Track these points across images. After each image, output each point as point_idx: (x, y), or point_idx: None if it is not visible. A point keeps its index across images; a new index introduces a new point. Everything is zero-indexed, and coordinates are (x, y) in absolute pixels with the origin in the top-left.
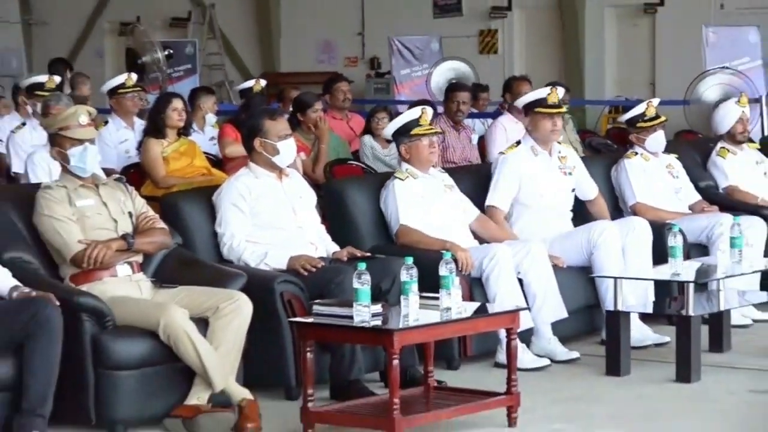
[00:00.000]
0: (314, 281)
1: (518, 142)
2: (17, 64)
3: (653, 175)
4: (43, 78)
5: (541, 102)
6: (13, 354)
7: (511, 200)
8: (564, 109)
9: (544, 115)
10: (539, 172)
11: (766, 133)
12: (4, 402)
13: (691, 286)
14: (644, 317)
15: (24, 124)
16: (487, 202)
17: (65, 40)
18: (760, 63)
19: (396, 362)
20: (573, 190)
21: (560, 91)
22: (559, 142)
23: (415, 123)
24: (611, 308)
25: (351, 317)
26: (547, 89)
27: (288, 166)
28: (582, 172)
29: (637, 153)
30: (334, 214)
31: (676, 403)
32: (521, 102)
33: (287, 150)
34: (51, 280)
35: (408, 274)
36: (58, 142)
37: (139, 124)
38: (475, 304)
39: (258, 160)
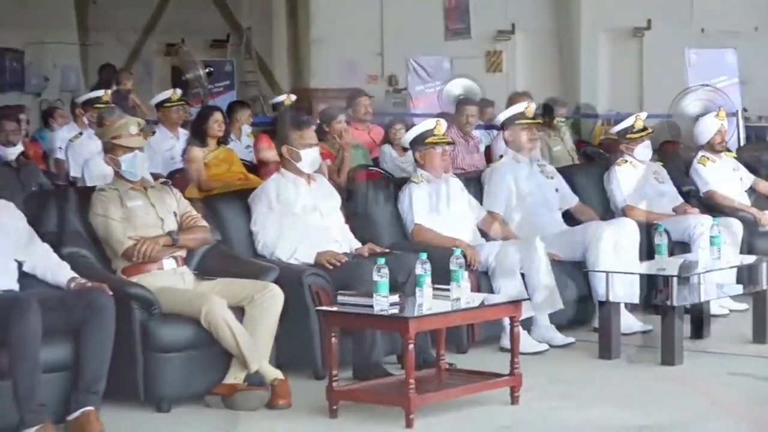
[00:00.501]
0: (339, 274)
1: (501, 156)
2: (75, 80)
3: (641, 180)
4: (100, 93)
5: (519, 116)
6: (71, 338)
7: (504, 203)
8: (539, 120)
9: (523, 127)
10: (524, 176)
11: (742, 144)
12: (63, 381)
13: (675, 280)
14: (630, 308)
15: (81, 133)
16: (485, 208)
17: (117, 59)
18: (737, 81)
19: (411, 346)
20: (557, 190)
21: (533, 106)
22: (541, 163)
23: (430, 133)
24: (603, 299)
25: (371, 306)
26: (524, 104)
27: (315, 172)
28: (561, 182)
29: (626, 161)
30: (357, 215)
31: (662, 383)
32: (501, 117)
33: (309, 157)
34: (105, 272)
35: (422, 268)
36: (111, 149)
37: (183, 133)
38: (482, 295)
39: (287, 165)
